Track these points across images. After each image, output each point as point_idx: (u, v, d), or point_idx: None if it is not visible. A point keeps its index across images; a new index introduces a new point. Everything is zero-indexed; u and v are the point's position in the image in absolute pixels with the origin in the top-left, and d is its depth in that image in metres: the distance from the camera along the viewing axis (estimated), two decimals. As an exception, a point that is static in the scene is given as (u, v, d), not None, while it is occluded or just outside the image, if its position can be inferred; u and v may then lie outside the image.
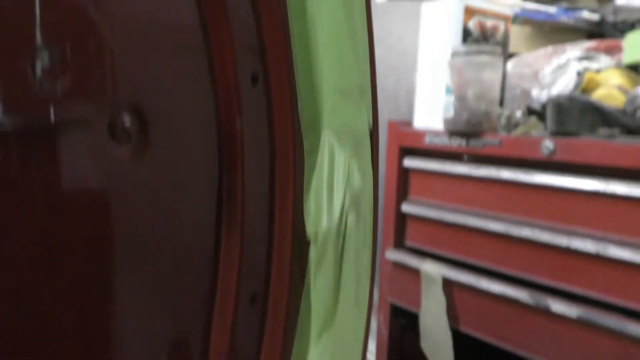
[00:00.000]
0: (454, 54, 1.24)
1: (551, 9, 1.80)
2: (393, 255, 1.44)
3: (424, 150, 1.39)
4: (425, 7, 1.43)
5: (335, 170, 0.46)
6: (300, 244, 0.45)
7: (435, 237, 1.38)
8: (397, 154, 1.43)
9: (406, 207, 1.43)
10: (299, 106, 0.43)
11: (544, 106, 1.19)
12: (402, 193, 1.44)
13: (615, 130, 1.10)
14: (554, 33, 2.00)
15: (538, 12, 1.80)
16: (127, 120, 0.34)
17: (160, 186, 0.37)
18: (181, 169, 0.38)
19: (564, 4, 2.02)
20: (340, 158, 0.46)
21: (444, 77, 1.32)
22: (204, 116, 0.39)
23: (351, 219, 0.47)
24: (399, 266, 1.44)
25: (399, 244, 1.46)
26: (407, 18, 2.60)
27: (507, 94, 1.53)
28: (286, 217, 0.44)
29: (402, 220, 1.45)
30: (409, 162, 1.42)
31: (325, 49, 0.45)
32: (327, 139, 0.46)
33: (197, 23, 0.38)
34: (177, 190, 0.38)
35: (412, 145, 1.40)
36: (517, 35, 2.10)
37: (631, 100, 1.11)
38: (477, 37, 1.38)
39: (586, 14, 1.77)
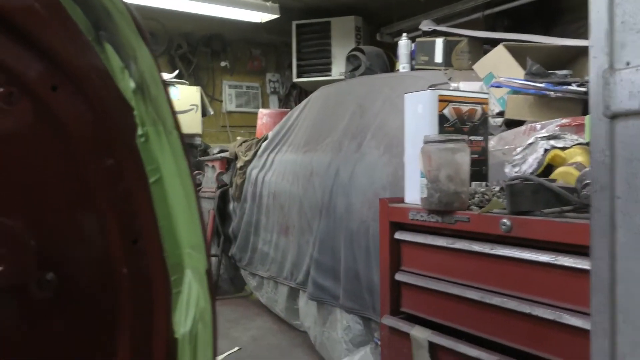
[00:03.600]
0: (425, 142, 1.42)
1: (540, 84, 1.94)
2: (389, 321, 1.58)
3: (411, 225, 1.55)
4: (407, 98, 1.63)
5: (191, 295, 0.66)
6: (171, 341, 0.65)
7: (425, 303, 1.52)
8: (388, 227, 1.59)
9: (399, 276, 1.58)
10: (165, 256, 0.64)
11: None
12: (396, 263, 1.60)
13: (566, 208, 1.23)
14: (555, 101, 2.13)
15: (526, 86, 1.95)
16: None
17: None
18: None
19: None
20: (194, 287, 0.66)
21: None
22: (98, 269, 0.60)
23: (200, 326, 0.66)
24: (395, 331, 1.57)
25: (395, 310, 1.60)
26: (424, 87, 2.79)
27: (491, 169, 1.68)
28: (161, 325, 0.64)
29: (397, 288, 1.60)
30: (400, 235, 1.58)
31: (179, 220, 0.66)
32: (188, 275, 0.66)
33: (96, 221, 0.59)
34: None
35: (399, 220, 1.57)
36: (521, 103, 2.24)
37: (580, 179, 1.24)
38: (453, 122, 1.55)
39: (574, 88, 1.90)
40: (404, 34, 3.18)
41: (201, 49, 5.36)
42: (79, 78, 0.57)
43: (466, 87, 2.52)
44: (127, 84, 0.60)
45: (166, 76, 4.32)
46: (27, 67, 0.54)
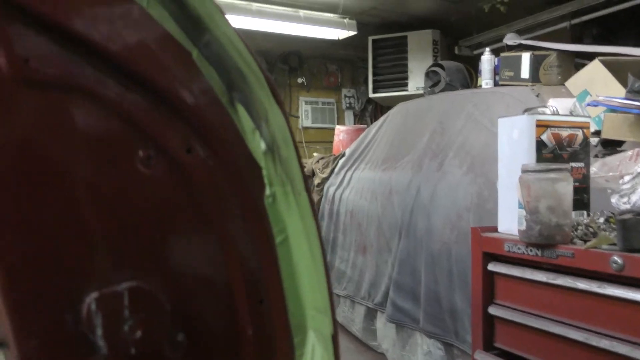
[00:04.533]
0: (523, 171, 1.35)
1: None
2: (482, 357, 1.51)
3: (506, 257, 1.48)
4: (500, 122, 1.56)
5: (315, 359, 0.64)
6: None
7: (521, 340, 1.44)
8: (481, 258, 1.53)
9: (493, 310, 1.50)
10: (289, 317, 0.63)
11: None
12: (489, 296, 1.53)
13: (688, 246, 1.12)
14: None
15: (629, 105, 1.82)
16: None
17: None
18: None
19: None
20: (317, 351, 0.64)
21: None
22: (224, 328, 0.60)
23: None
24: (488, 368, 1.50)
25: (488, 346, 1.53)
26: (510, 104, 2.68)
27: (593, 197, 1.57)
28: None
29: (490, 322, 1.53)
30: (494, 267, 1.51)
31: (304, 281, 0.64)
32: (311, 337, 0.64)
33: (224, 281, 0.59)
34: None
35: (494, 251, 1.50)
36: (620, 122, 2.10)
37: None
38: (552, 148, 1.47)
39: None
40: (487, 49, 3.07)
41: (279, 66, 5.47)
42: (213, 140, 0.58)
43: (557, 105, 2.40)
44: (258, 145, 0.60)
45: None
46: (164, 130, 0.56)
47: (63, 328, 0.50)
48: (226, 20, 0.62)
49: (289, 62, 5.51)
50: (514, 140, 1.50)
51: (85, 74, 0.51)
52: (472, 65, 4.70)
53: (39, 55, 0.49)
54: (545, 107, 2.45)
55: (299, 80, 5.57)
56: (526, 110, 1.55)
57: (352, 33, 4.35)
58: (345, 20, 4.29)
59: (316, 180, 3.82)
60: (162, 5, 0.56)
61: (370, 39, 4.99)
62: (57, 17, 0.49)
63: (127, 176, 0.54)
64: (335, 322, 0.69)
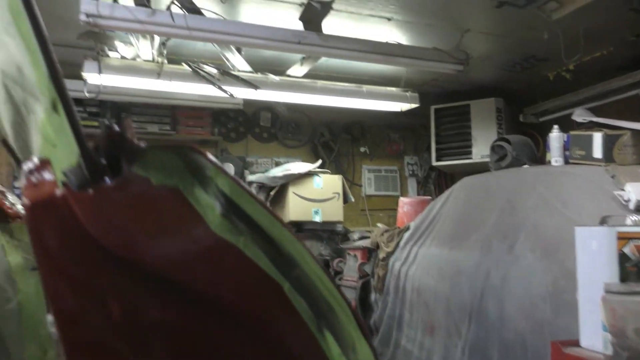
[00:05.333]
0: (607, 291, 1.31)
1: None
2: None
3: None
4: (577, 231, 1.53)
5: None
6: None
7: None
8: (563, 375, 1.47)
9: None
10: None
11: None
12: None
13: None
14: None
15: None
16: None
17: None
18: None
19: None
20: None
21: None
22: None
23: None
24: None
25: None
26: (583, 186, 2.61)
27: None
28: None
29: None
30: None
31: None
32: None
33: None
34: None
35: (578, 369, 1.44)
36: None
37: None
38: (636, 261, 1.42)
39: None
40: (555, 126, 3.03)
41: (342, 136, 5.60)
42: None
43: (632, 190, 2.32)
44: None
45: (310, 166, 4.56)
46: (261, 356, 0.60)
47: None
48: (313, 258, 0.67)
49: (352, 132, 5.64)
50: (593, 251, 1.46)
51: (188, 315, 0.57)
52: (539, 132, 4.63)
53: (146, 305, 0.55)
54: (623, 190, 2.37)
55: (362, 149, 5.67)
56: (604, 221, 1.51)
57: (415, 105, 4.43)
58: (408, 94, 4.38)
59: (381, 254, 3.81)
60: (257, 246, 0.62)
61: (432, 108, 5.04)
62: (170, 271, 0.55)
63: None
64: None
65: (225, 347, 0.58)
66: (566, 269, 2.15)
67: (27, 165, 0.63)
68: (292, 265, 0.64)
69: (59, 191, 0.57)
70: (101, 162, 0.58)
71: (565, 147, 2.99)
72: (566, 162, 2.96)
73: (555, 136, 2.99)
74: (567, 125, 3.27)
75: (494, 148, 3.56)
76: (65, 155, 0.59)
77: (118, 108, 4.75)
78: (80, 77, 3.63)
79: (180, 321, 0.56)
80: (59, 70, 0.57)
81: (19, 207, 1.79)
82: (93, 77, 3.61)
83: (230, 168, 5.08)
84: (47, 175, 0.59)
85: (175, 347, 0.56)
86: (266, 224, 0.62)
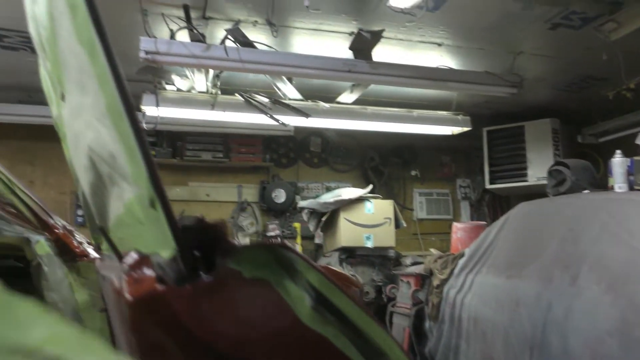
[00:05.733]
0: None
1: None
2: None
3: None
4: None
5: None
6: None
7: None
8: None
9: None
10: None
11: None
12: None
13: None
14: None
15: None
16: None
17: None
18: None
19: None
20: None
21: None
22: None
23: None
24: None
25: None
26: (650, 213, 2.48)
27: None
28: None
29: None
30: None
31: None
32: None
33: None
34: None
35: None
36: None
37: None
38: None
39: None
40: (618, 151, 2.92)
41: (392, 160, 5.58)
42: None
43: None
44: None
45: (361, 191, 4.56)
46: None
47: None
48: (399, 346, 0.68)
49: (402, 155, 5.60)
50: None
51: None
52: (598, 153, 4.46)
53: None
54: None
55: (413, 173, 5.62)
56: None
57: (467, 129, 4.37)
58: (459, 117, 4.33)
59: (435, 281, 3.73)
60: (346, 337, 0.63)
61: (484, 130, 4.95)
62: None
63: None
64: None
65: None
66: (635, 303, 2.05)
67: (128, 260, 0.67)
68: (379, 354, 0.64)
69: (159, 287, 0.60)
70: (196, 256, 0.60)
71: (629, 172, 2.86)
72: (631, 188, 2.84)
73: (618, 161, 2.87)
74: (629, 146, 3.14)
75: (551, 173, 3.45)
76: (155, 243, 0.63)
77: (174, 137, 4.92)
78: (139, 109, 3.79)
79: None
80: (157, 172, 0.60)
81: (86, 246, 1.87)
82: (151, 110, 3.77)
83: (281, 194, 5.15)
84: (147, 271, 0.63)
85: None
86: (353, 315, 0.63)
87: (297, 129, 4.59)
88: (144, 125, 4.00)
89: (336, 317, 0.62)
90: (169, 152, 4.87)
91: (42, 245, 1.68)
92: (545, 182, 3.43)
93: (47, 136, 2.55)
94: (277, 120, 3.96)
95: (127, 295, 0.63)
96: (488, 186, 4.98)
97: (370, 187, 4.70)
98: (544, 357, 2.50)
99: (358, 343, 0.63)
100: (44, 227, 1.78)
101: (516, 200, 3.51)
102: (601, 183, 3.30)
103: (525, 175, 4.71)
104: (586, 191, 3.09)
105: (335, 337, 0.62)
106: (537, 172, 4.56)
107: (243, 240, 4.92)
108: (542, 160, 4.44)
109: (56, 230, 1.82)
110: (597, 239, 2.56)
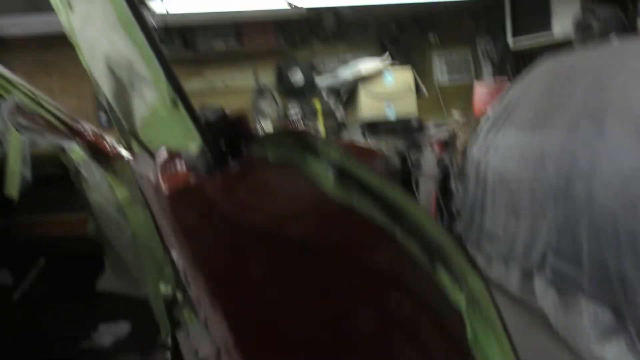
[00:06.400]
0: None
1: None
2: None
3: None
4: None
5: None
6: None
7: None
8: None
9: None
10: None
11: None
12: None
13: None
14: None
15: None
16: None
17: None
18: None
19: None
20: None
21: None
22: None
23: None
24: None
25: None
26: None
27: None
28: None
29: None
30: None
31: None
32: None
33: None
34: None
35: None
36: None
37: None
38: None
39: None
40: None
41: (410, 28, 5.32)
42: (420, 294, 0.68)
43: None
44: (460, 298, 0.69)
45: (378, 62, 4.45)
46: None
47: None
48: (419, 206, 0.72)
49: (420, 22, 5.32)
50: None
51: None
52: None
53: None
54: None
55: (431, 39, 5.38)
56: None
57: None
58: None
59: (459, 144, 3.78)
60: (368, 202, 0.67)
61: (505, -21, 4.64)
62: (300, 236, 0.62)
63: None
64: None
65: (362, 293, 0.65)
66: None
67: (160, 158, 0.73)
68: (401, 213, 0.70)
69: (192, 179, 0.65)
70: (222, 147, 0.65)
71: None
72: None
73: (648, -1, 2.70)
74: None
75: (578, 24, 3.28)
76: (183, 139, 0.67)
77: (185, 31, 4.84)
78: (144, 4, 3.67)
79: (317, 279, 0.65)
80: (175, 74, 0.62)
81: (118, 148, 1.93)
82: (159, 5, 3.65)
83: (298, 74, 5.07)
84: (179, 165, 0.68)
85: (315, 304, 0.64)
86: (374, 182, 0.68)
87: (310, 11, 4.39)
88: (154, 24, 3.89)
89: (358, 187, 0.68)
90: (181, 46, 4.81)
91: (76, 151, 1.74)
92: (571, 38, 3.28)
93: (59, 44, 2.53)
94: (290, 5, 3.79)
95: (165, 190, 0.69)
96: (510, 43, 4.76)
97: (387, 54, 4.55)
98: (569, 203, 2.57)
99: (380, 206, 0.69)
100: (74, 133, 1.83)
101: (541, 60, 3.37)
102: (631, 26, 3.14)
103: (549, 28, 4.44)
104: (614, 40, 2.95)
105: (359, 203, 0.68)
106: (562, 25, 4.29)
107: (265, 124, 4.96)
108: (568, 11, 4.16)
109: (87, 136, 1.88)
110: (625, 86, 2.50)
